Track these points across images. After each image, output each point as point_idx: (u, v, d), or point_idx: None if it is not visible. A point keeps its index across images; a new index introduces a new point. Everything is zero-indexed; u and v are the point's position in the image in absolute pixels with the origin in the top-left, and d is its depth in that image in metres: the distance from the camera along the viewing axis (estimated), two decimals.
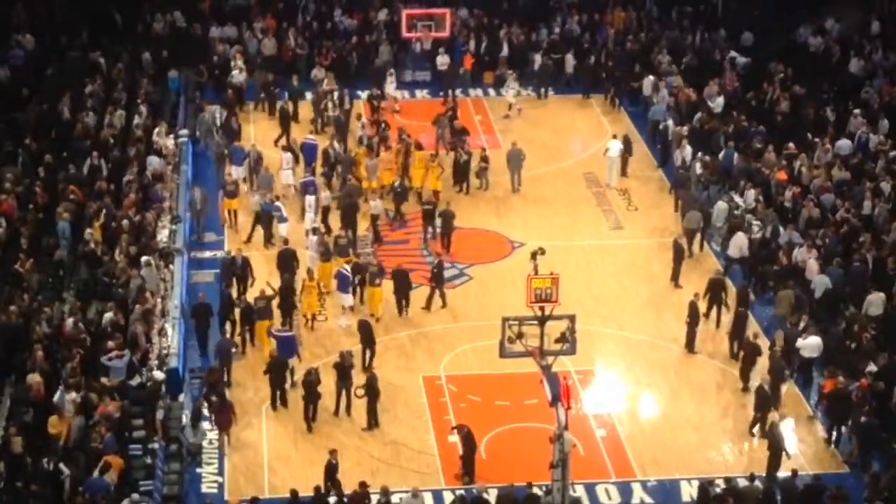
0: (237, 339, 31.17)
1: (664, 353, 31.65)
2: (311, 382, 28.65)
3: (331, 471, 26.14)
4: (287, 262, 33.34)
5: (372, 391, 28.52)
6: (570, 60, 46.36)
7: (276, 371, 29.20)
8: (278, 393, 29.28)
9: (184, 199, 36.61)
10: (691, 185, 37.76)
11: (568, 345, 25.04)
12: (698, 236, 35.66)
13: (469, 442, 27.15)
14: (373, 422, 28.65)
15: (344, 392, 28.98)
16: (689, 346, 31.42)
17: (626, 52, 46.62)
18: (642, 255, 35.90)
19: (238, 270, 32.83)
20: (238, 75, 43.98)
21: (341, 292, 32.40)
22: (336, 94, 42.50)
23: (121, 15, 47.18)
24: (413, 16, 45.22)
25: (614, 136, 40.41)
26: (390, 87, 44.24)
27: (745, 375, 30.05)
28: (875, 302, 31.06)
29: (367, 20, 48.28)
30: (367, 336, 30.62)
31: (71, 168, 36.30)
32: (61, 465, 25.24)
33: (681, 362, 31.28)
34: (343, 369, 28.89)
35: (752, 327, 31.38)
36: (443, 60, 45.67)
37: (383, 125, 40.58)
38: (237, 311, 31.29)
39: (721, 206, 36.02)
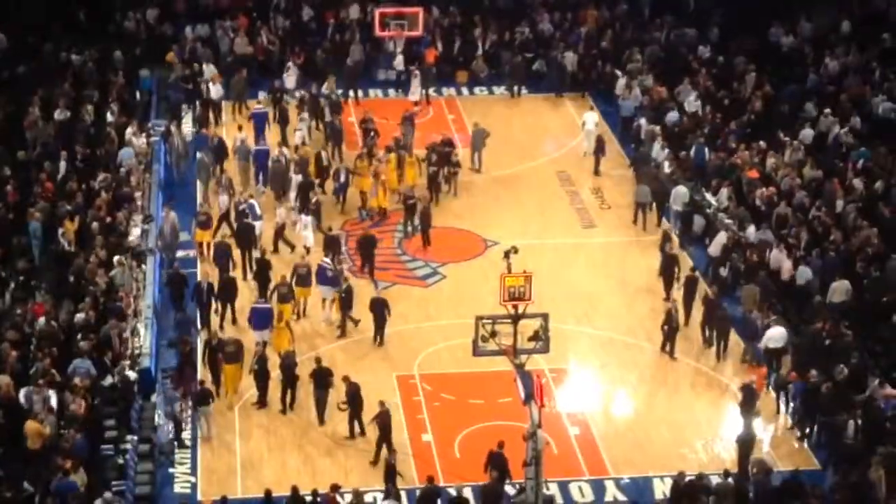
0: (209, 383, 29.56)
1: (637, 351, 31.71)
2: (289, 366, 28.74)
3: (390, 471, 26.03)
4: (246, 236, 34.00)
5: (354, 403, 28.14)
6: (570, 57, 46.17)
7: (262, 368, 29.08)
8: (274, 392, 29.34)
9: (156, 199, 36.46)
10: (650, 162, 38.82)
11: (541, 343, 25.09)
12: (655, 214, 37.19)
13: (384, 425, 27.23)
14: (357, 431, 28.28)
15: (322, 403, 28.62)
16: (663, 349, 31.24)
17: (598, 52, 46.74)
18: (615, 254, 35.96)
19: (205, 298, 31.63)
20: (214, 89, 42.78)
21: (322, 285, 32.36)
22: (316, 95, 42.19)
23: (90, 13, 46.93)
24: (386, 14, 45.14)
25: (591, 108, 41.80)
26: (289, 80, 43.70)
27: (704, 329, 31.63)
28: (839, 289, 31.38)
29: (338, 19, 48.21)
30: (380, 313, 31.06)
31: (47, 165, 36.13)
32: (25, 484, 25.00)
33: (654, 361, 31.33)
34: (320, 377, 28.60)
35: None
36: (398, 61, 45.92)
37: (372, 133, 40.02)
38: (205, 346, 29.95)
39: (681, 190, 36.57)
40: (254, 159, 38.24)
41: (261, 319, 30.51)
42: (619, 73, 44.87)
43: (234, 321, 32.07)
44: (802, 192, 35.68)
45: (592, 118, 41.31)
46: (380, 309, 31.23)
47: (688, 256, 34.81)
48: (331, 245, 33.60)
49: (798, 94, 42.26)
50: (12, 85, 42.01)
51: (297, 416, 28.88)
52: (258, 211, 35.34)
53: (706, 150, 38.62)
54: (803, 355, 29.72)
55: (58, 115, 39.17)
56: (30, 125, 38.51)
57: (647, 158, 39.09)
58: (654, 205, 37.14)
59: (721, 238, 34.05)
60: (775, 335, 30.05)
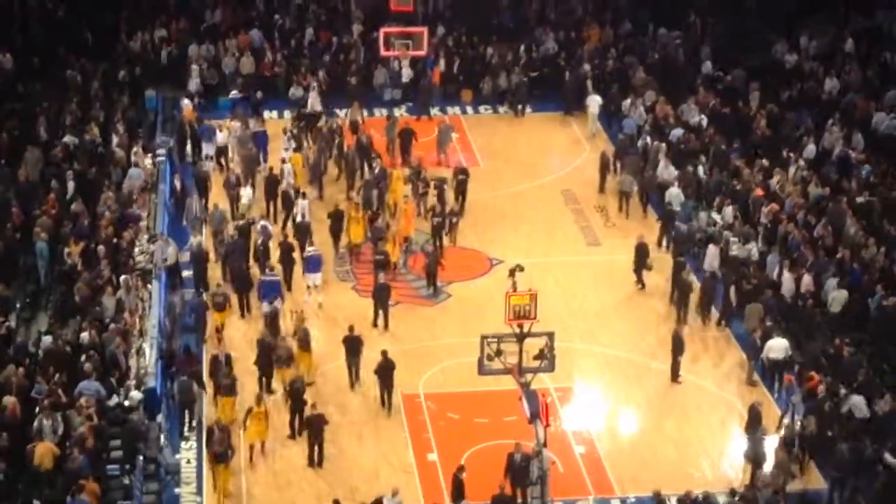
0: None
1: (643, 369, 31.68)
2: (297, 390, 28.79)
3: (458, 485, 26.11)
4: (244, 233, 35.11)
5: (384, 378, 29.42)
6: (586, 72, 46.10)
7: (264, 356, 29.82)
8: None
9: (161, 218, 36.52)
10: (635, 152, 40.01)
11: (546, 362, 25.12)
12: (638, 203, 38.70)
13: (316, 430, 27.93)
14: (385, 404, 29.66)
15: (354, 368, 30.08)
16: (674, 376, 31.06)
17: (603, 70, 46.81)
18: (620, 271, 35.90)
19: (224, 369, 29.76)
20: (221, 136, 41.27)
21: (310, 273, 33.57)
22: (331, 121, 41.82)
23: (97, 33, 47.07)
24: (390, 34, 45.23)
25: (595, 92, 43.62)
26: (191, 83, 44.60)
27: (680, 310, 32.97)
28: (839, 299, 31.49)
29: (341, 41, 48.27)
30: (382, 300, 32.47)
31: (53, 183, 36.19)
32: None
33: (659, 378, 31.31)
34: (352, 344, 29.95)
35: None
36: (406, 73, 46.16)
37: (423, 181, 37.95)
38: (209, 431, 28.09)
39: (674, 190, 37.30)
40: (253, 141, 39.91)
41: (269, 290, 32.00)
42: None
43: (243, 313, 33.18)
44: (803, 212, 35.58)
45: (596, 101, 43.47)
46: (383, 295, 32.35)
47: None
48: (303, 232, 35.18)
49: (807, 110, 42.35)
50: (19, 105, 42.10)
51: (303, 439, 28.78)
52: (271, 230, 35.46)
53: (699, 168, 38.73)
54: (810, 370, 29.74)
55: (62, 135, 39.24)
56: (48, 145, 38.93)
57: (630, 147, 40.21)
58: (639, 195, 38.51)
59: (712, 251, 34.07)
60: (776, 346, 30.05)
